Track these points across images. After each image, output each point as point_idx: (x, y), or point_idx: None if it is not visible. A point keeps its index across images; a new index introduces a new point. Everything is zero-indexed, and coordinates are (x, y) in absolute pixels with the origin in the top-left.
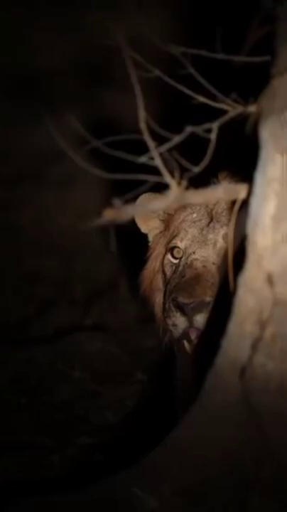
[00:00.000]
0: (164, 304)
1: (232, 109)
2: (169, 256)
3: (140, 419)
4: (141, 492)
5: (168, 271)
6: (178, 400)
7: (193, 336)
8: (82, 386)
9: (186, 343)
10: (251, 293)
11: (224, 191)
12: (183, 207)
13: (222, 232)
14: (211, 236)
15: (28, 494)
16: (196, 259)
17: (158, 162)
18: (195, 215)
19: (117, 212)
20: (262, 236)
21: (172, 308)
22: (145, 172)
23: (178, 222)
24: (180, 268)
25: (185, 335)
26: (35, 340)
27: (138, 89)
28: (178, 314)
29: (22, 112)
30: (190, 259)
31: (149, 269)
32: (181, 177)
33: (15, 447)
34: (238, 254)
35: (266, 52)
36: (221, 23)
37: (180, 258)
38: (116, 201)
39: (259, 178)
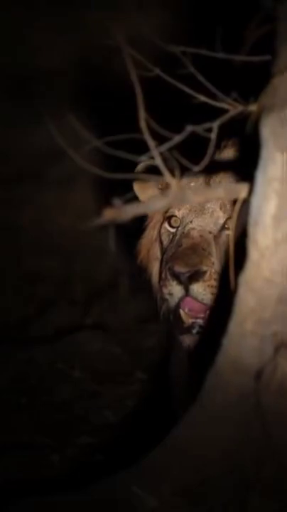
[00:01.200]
0: (161, 273)
1: (233, 108)
2: (166, 225)
3: (140, 418)
4: (141, 492)
5: (165, 240)
6: (175, 399)
7: (186, 308)
8: (82, 386)
9: (182, 312)
10: (251, 292)
11: (224, 190)
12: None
13: (220, 201)
14: (208, 205)
15: (28, 494)
16: (193, 229)
17: (158, 161)
18: (192, 184)
19: (117, 212)
20: (263, 235)
21: (169, 277)
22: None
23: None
24: (177, 237)
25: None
26: (35, 340)
27: (138, 89)
28: (174, 283)
29: (22, 112)
30: (187, 228)
31: (147, 238)
32: (181, 176)
33: (15, 447)
34: (239, 254)
35: (267, 51)
36: (222, 22)
37: (177, 227)
38: (116, 201)
39: (260, 177)
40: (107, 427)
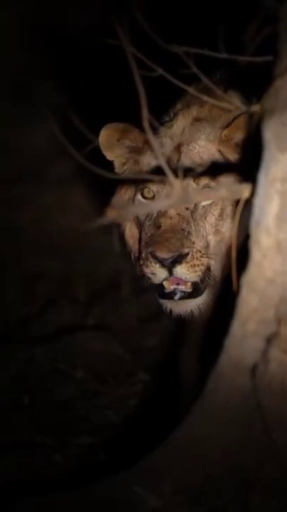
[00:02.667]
0: (140, 249)
1: (236, 109)
2: (139, 197)
3: (142, 418)
4: (142, 491)
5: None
6: (182, 398)
7: (172, 286)
8: (84, 386)
9: (165, 283)
10: (254, 293)
11: (227, 191)
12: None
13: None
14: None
15: (29, 494)
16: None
17: (161, 162)
18: (163, 150)
19: (119, 212)
20: (265, 236)
21: (151, 260)
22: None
23: (147, 160)
24: (154, 215)
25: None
26: (36, 340)
27: (141, 88)
28: (157, 266)
29: (22, 112)
30: None
31: (119, 199)
32: (185, 177)
33: (16, 447)
34: (241, 254)
35: (269, 52)
36: (224, 23)
37: (152, 198)
38: (118, 201)
39: (262, 178)
40: (109, 426)
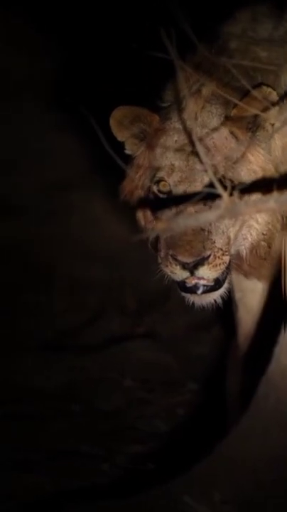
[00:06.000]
0: (157, 244)
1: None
2: (155, 190)
3: (190, 427)
4: (191, 500)
5: (158, 205)
6: (229, 409)
7: (194, 281)
8: (133, 394)
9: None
10: None
11: (276, 203)
12: (162, 127)
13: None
14: (198, 167)
15: (78, 502)
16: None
17: (210, 174)
18: (175, 138)
19: (168, 224)
20: None
21: (171, 261)
22: None
23: (160, 148)
24: (173, 213)
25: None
26: (86, 349)
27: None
28: (178, 267)
29: (67, 120)
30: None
31: (130, 182)
32: (233, 189)
33: (64, 455)
34: None
35: None
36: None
37: (168, 193)
38: (167, 213)
39: None
40: (157, 435)
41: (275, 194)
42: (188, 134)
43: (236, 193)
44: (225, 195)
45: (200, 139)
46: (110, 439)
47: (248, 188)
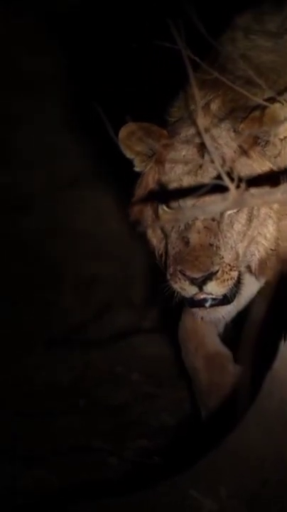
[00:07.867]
0: (165, 259)
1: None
2: (164, 206)
3: (197, 422)
4: (198, 494)
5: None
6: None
7: (202, 296)
8: (140, 389)
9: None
10: None
11: (282, 195)
12: (171, 142)
13: (215, 172)
14: (207, 181)
15: (85, 497)
16: (196, 219)
17: (217, 167)
18: (184, 153)
19: (175, 216)
20: None
21: (180, 277)
22: None
23: (169, 164)
24: (181, 228)
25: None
26: (93, 344)
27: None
28: (187, 283)
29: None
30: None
31: (139, 201)
32: (240, 180)
33: (72, 450)
34: None
35: None
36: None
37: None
38: (174, 204)
39: None
40: (164, 430)
41: (282, 186)
42: (198, 148)
43: (243, 185)
44: (232, 186)
45: (208, 152)
46: (117, 433)
47: (255, 182)
